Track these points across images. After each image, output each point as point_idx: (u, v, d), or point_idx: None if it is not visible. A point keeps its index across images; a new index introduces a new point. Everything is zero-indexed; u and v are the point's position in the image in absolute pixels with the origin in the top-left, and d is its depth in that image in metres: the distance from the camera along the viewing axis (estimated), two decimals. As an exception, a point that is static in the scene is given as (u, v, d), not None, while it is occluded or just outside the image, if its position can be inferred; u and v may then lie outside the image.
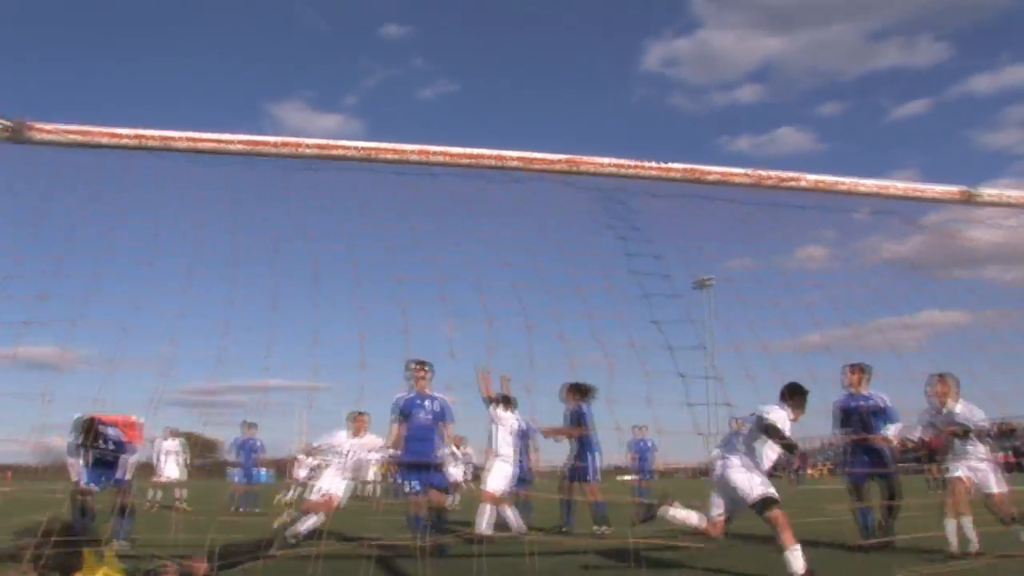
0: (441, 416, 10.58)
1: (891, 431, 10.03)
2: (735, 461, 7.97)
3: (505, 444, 11.62)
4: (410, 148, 5.90)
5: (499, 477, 11.32)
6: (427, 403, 10.53)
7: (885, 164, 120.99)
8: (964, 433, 8.99)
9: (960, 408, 9.20)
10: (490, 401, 11.63)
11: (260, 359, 6.21)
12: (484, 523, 10.86)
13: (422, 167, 6.02)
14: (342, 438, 11.12)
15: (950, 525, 8.84)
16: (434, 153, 5.97)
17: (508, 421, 11.78)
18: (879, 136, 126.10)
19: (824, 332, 7.87)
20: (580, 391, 12.71)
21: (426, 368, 10.59)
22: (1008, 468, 34.59)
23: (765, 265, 8.20)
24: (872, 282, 8.13)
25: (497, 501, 11.24)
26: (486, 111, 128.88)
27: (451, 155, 6.02)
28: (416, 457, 10.31)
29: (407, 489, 10.34)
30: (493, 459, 11.45)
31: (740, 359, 7.09)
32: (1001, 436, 49.25)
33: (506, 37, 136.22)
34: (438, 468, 10.65)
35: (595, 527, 12.52)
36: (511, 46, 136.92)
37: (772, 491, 7.71)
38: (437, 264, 6.65)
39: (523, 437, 12.52)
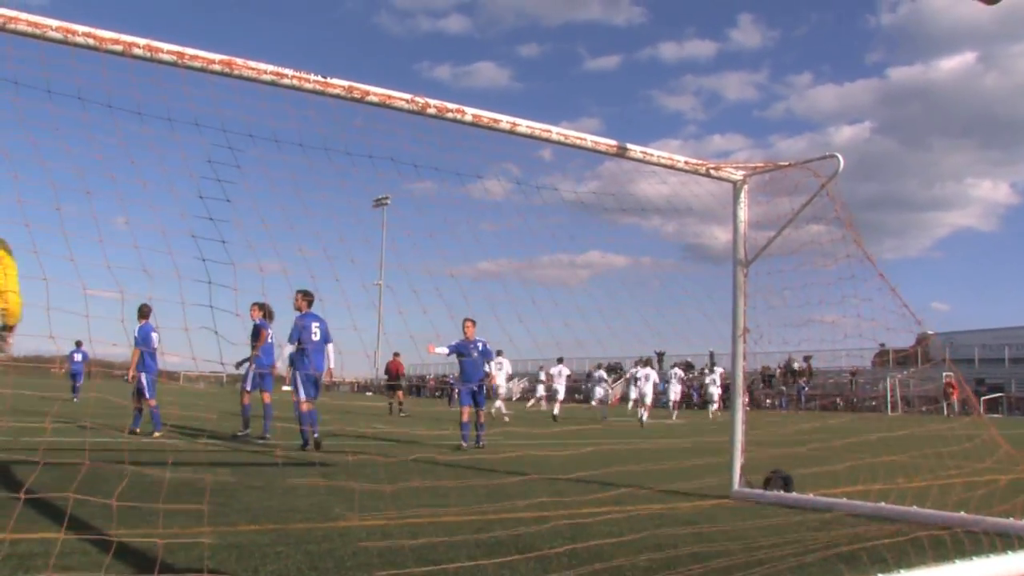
0: None
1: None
2: None
3: None
4: (54, 24, 5.36)
5: None
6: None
7: (575, 111, 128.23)
8: None
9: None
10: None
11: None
12: None
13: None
14: None
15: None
16: (81, 34, 5.49)
17: None
18: (572, 83, 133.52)
19: (497, 261, 8.17)
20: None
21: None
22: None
23: (448, 190, 8.31)
24: (547, 219, 8.53)
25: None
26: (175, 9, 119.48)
27: (99, 39, 5.57)
28: None
29: None
30: None
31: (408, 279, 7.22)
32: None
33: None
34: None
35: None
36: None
37: None
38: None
39: None
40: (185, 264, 5.22)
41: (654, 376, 28.79)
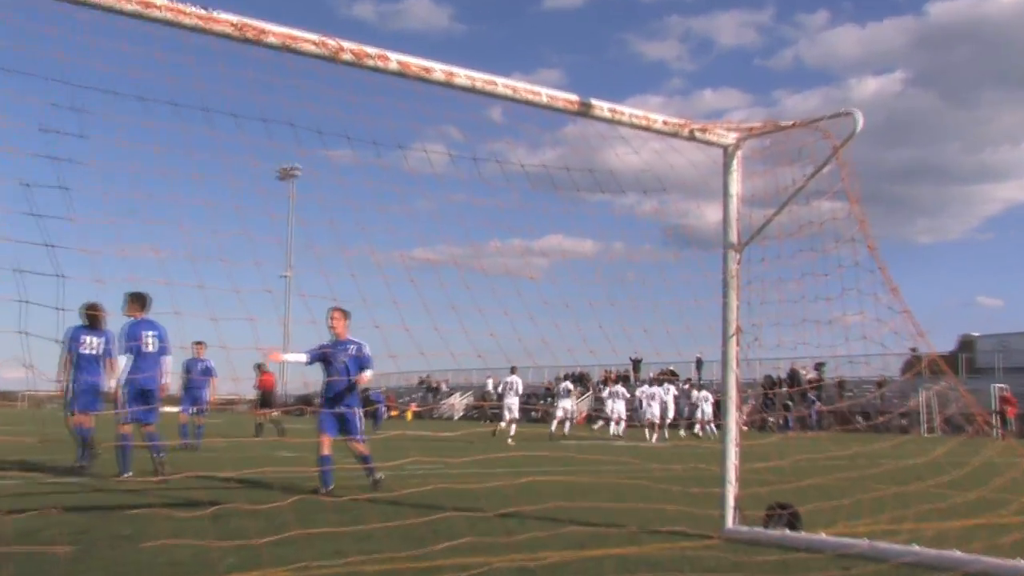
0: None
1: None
2: None
3: None
4: None
5: None
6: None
7: (532, 60, 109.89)
8: None
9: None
10: None
11: None
12: None
13: None
14: None
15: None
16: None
17: None
18: (528, 26, 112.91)
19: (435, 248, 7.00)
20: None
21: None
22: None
23: (371, 161, 7.02)
24: (498, 197, 7.24)
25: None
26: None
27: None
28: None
29: None
30: None
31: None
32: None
33: None
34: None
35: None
36: None
37: None
38: None
39: None
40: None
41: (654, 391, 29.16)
